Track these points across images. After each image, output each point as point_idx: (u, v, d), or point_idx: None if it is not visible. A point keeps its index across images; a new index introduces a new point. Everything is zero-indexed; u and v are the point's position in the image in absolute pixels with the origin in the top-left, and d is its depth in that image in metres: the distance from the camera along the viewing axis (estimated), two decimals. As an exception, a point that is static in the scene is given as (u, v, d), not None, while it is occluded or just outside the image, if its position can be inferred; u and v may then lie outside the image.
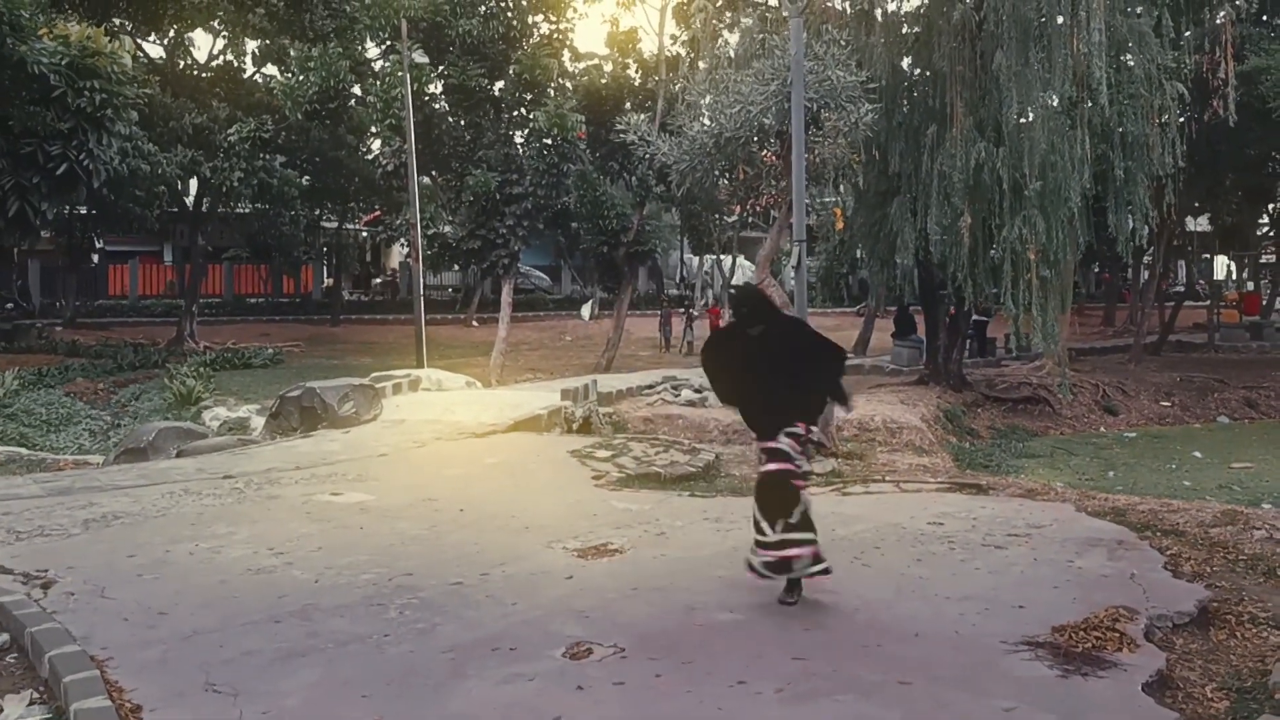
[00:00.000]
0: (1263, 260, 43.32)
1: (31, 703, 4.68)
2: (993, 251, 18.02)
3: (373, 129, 28.98)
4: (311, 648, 5.24)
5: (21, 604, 5.74)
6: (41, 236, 30.02)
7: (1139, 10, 19.09)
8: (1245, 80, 21.10)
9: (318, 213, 38.52)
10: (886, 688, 4.71)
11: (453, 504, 8.58)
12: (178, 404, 19.89)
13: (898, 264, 19.74)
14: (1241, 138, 22.21)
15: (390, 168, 26.51)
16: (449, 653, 5.18)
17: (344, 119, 29.12)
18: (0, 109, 18.45)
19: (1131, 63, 18.67)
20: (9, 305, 33.57)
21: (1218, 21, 20.66)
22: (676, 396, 17.88)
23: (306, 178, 33.37)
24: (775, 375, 6.07)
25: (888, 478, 11.26)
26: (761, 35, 19.60)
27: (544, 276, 47.12)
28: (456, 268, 32.28)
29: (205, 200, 31.67)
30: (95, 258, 40.03)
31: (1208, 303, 36.92)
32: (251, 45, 32.46)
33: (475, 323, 37.54)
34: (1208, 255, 47.15)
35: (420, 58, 23.99)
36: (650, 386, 18.90)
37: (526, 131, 26.10)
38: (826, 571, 5.88)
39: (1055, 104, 18.00)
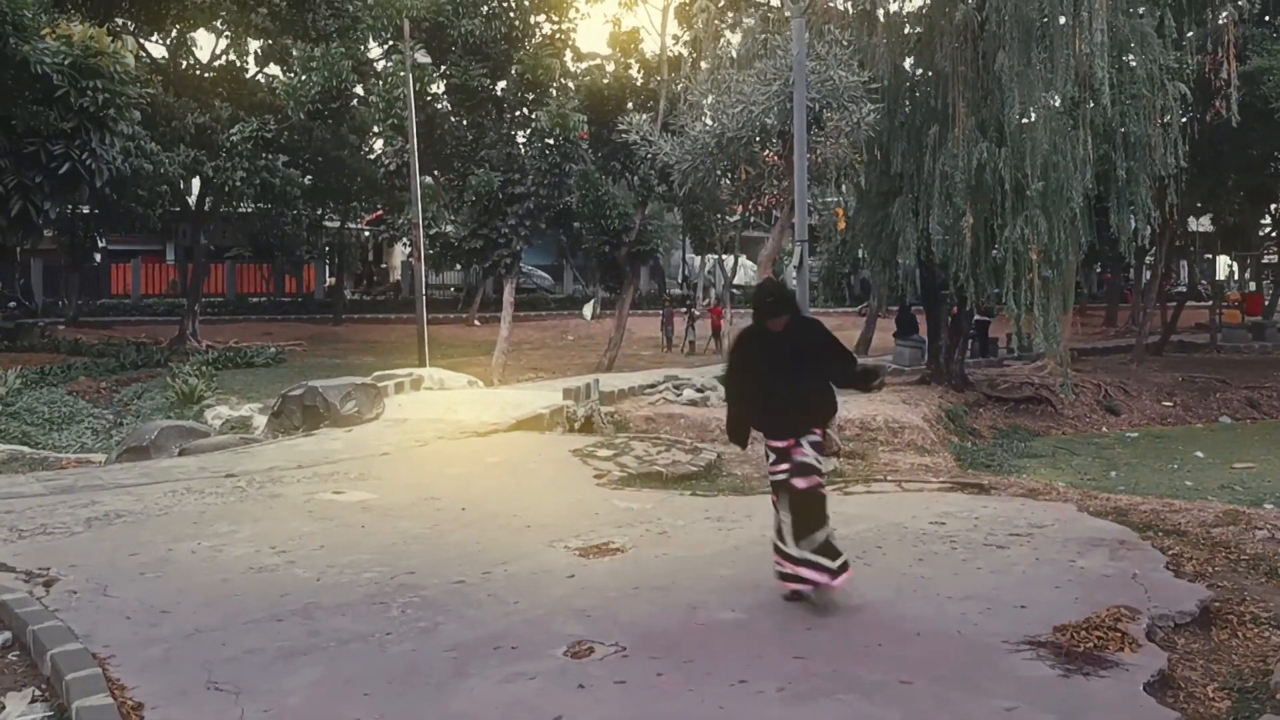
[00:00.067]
0: (1265, 260, 43.30)
1: (33, 700, 4.69)
2: (995, 251, 18.03)
3: (375, 129, 29.04)
4: (313, 646, 5.24)
5: (24, 602, 5.74)
6: (44, 236, 30.10)
7: (1141, 10, 19.09)
8: (1247, 80, 21.08)
9: (320, 212, 38.57)
10: (888, 687, 4.71)
11: (455, 503, 8.58)
12: (180, 403, 19.90)
13: (900, 264, 19.75)
14: (1244, 138, 22.20)
15: (392, 167, 26.53)
16: (451, 651, 5.18)
17: (346, 119, 29.16)
18: (3, 108, 18.48)
19: (1134, 63, 18.67)
20: (12, 304, 33.63)
21: (1220, 22, 20.66)
22: (678, 396, 17.87)
23: (309, 177, 33.43)
24: (797, 371, 5.99)
25: (889, 477, 11.25)
26: (763, 35, 19.63)
27: (546, 276, 47.14)
28: (459, 267, 32.33)
29: (208, 199, 31.70)
30: (98, 257, 40.13)
31: (1210, 303, 36.91)
32: (254, 45, 32.48)
33: (477, 322, 37.58)
34: (1210, 255, 47.12)
35: (423, 58, 24.01)
36: (652, 386, 18.87)
37: (529, 131, 26.12)
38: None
39: (1057, 104, 18.01)
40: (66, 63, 18.02)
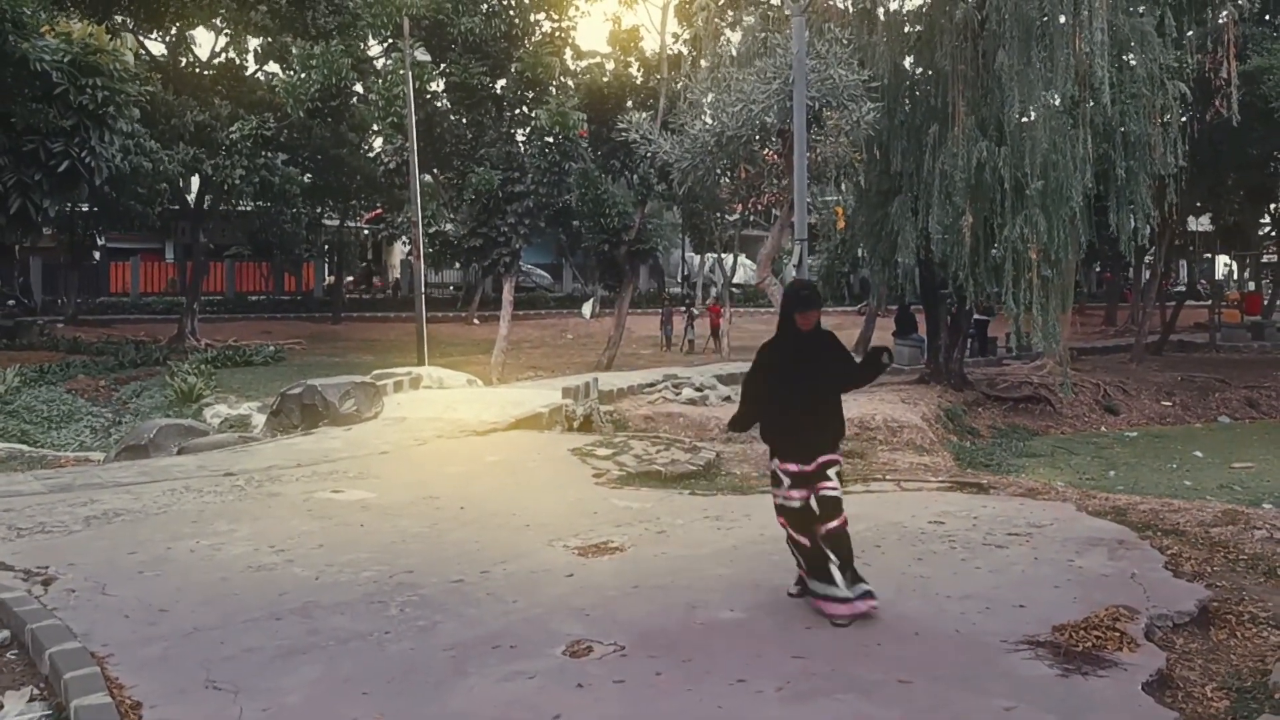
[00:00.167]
0: (1264, 260, 43.32)
1: (32, 699, 4.69)
2: (994, 251, 18.02)
3: (374, 127, 29.08)
4: (312, 645, 5.24)
5: (22, 600, 5.74)
6: (43, 234, 30.11)
7: (1141, 10, 19.09)
8: (1247, 80, 21.08)
9: (319, 210, 38.59)
10: (887, 687, 4.71)
11: (454, 502, 8.58)
12: (179, 401, 19.91)
13: (899, 263, 19.75)
14: (1243, 137, 22.19)
15: (392, 165, 26.56)
16: (450, 650, 5.18)
17: (346, 117, 29.16)
18: (2, 106, 18.47)
19: (1134, 62, 18.67)
20: (11, 302, 33.62)
21: (1220, 21, 20.66)
22: (677, 395, 17.88)
23: (308, 175, 33.44)
24: (816, 384, 5.90)
25: (888, 476, 11.25)
26: (763, 34, 19.62)
27: (545, 275, 47.16)
28: (458, 266, 32.33)
29: (207, 198, 31.69)
30: (97, 255, 40.13)
31: (1209, 302, 36.92)
32: (254, 43, 32.51)
33: (476, 321, 37.58)
34: (1209, 255, 47.15)
35: (422, 56, 24.00)
36: (651, 385, 18.89)
37: (528, 129, 26.13)
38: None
39: (1057, 103, 18.01)
40: (66, 60, 18.02)
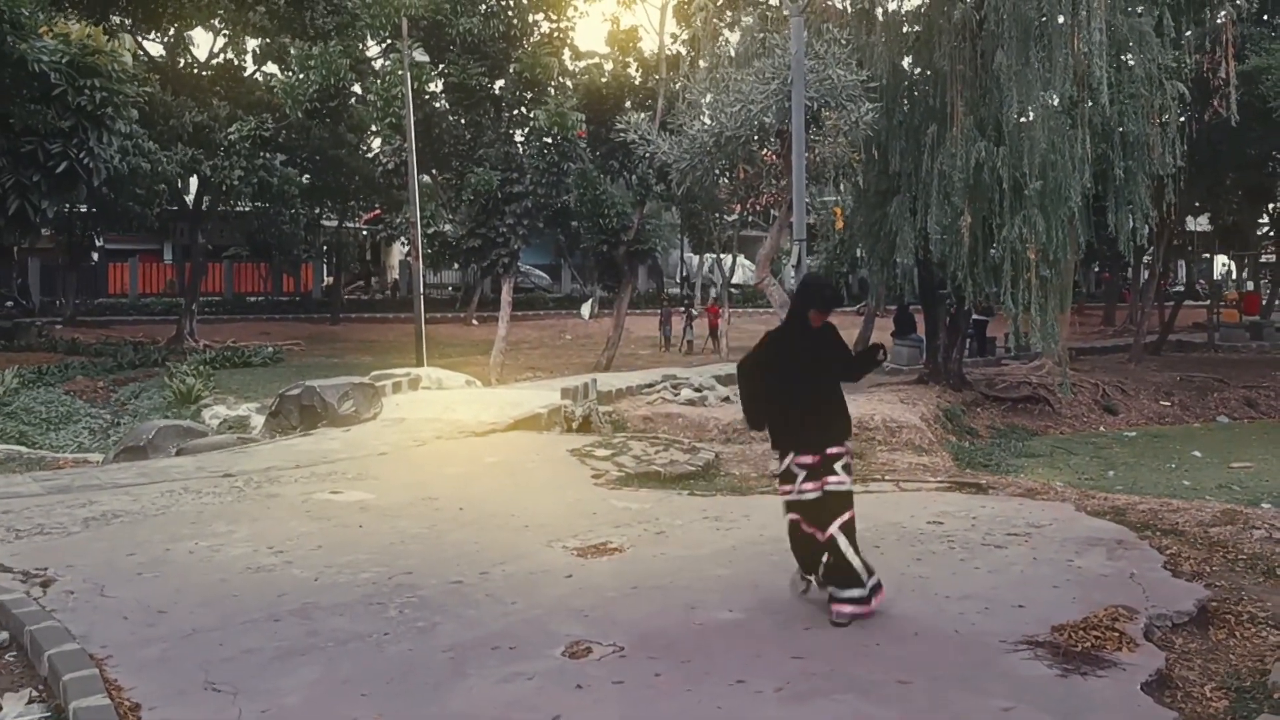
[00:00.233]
0: (1263, 260, 43.35)
1: (30, 701, 4.68)
2: (993, 251, 18.01)
3: (373, 127, 29.01)
4: (311, 646, 5.24)
5: (21, 602, 5.74)
6: (42, 235, 30.06)
7: (1139, 10, 19.08)
8: (1246, 80, 21.08)
9: (318, 211, 38.55)
10: (886, 687, 4.71)
11: (452, 502, 8.58)
12: (177, 402, 19.89)
13: (898, 263, 19.74)
14: (1242, 137, 22.19)
15: (390, 166, 26.53)
16: (449, 651, 5.18)
17: (344, 117, 29.14)
18: (1, 107, 18.46)
19: (1132, 62, 18.66)
20: (9, 303, 33.60)
21: (1218, 21, 20.63)
22: (676, 395, 17.88)
23: (307, 176, 33.41)
24: (821, 378, 5.92)
25: (887, 477, 11.26)
26: (762, 34, 19.62)
27: (544, 275, 47.16)
28: (456, 266, 32.33)
29: (205, 198, 31.68)
30: (95, 256, 40.07)
31: (1208, 302, 36.94)
32: (252, 43, 32.51)
33: (475, 321, 37.57)
34: (1208, 255, 47.18)
35: (421, 56, 23.99)
36: (650, 385, 18.88)
37: (527, 130, 26.12)
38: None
39: (1056, 103, 18.00)
40: (64, 61, 18.00)
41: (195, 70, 32.71)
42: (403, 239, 32.29)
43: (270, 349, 29.61)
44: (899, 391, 19.92)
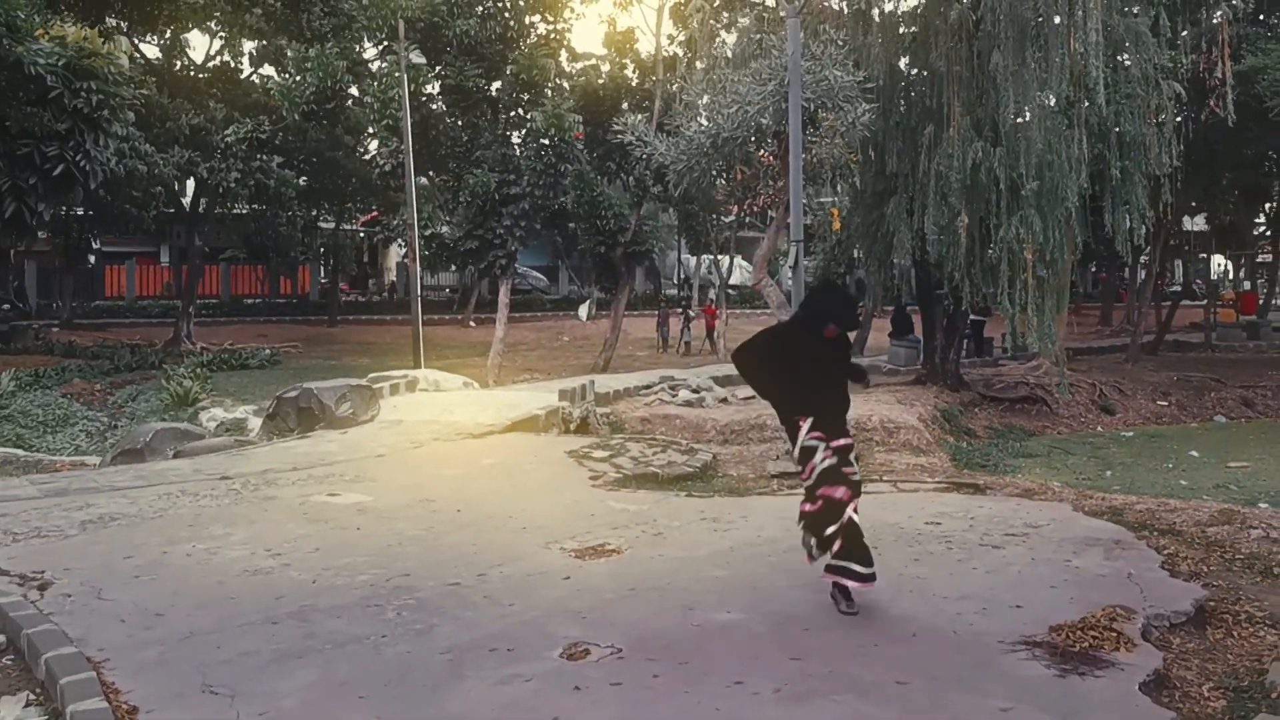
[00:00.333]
0: (1259, 260, 43.40)
1: (28, 704, 4.67)
2: (990, 251, 18.04)
3: (370, 129, 29.00)
4: (309, 649, 5.23)
5: (18, 605, 5.73)
6: (38, 237, 30.03)
7: (1136, 10, 19.12)
8: (1242, 80, 21.12)
9: (315, 213, 38.52)
10: (884, 688, 4.71)
11: (450, 505, 8.57)
12: (175, 405, 19.88)
13: (895, 263, 19.77)
14: (1238, 137, 22.22)
15: (387, 168, 26.50)
16: (447, 653, 5.17)
17: (341, 119, 29.13)
18: (-3, 110, 18.46)
19: (1128, 62, 18.70)
20: (5, 306, 33.60)
21: (1214, 21, 20.66)
22: (674, 397, 17.89)
23: (303, 178, 33.42)
24: (836, 371, 6.05)
25: (885, 477, 11.26)
26: (759, 35, 19.64)
27: (541, 277, 47.13)
28: (454, 268, 32.31)
29: (202, 201, 31.66)
30: (92, 259, 40.04)
31: (1204, 302, 36.98)
32: (248, 46, 32.50)
33: (472, 323, 37.55)
34: (1204, 254, 47.24)
35: (417, 58, 23.99)
36: (648, 387, 18.90)
37: (524, 132, 26.10)
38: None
39: (1052, 104, 18.03)
40: (60, 64, 18.00)
41: (192, 73, 32.70)
42: (400, 241, 32.24)
43: (267, 351, 29.59)
44: (896, 392, 19.94)
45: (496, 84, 27.71)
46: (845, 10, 20.38)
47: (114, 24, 27.35)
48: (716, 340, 31.77)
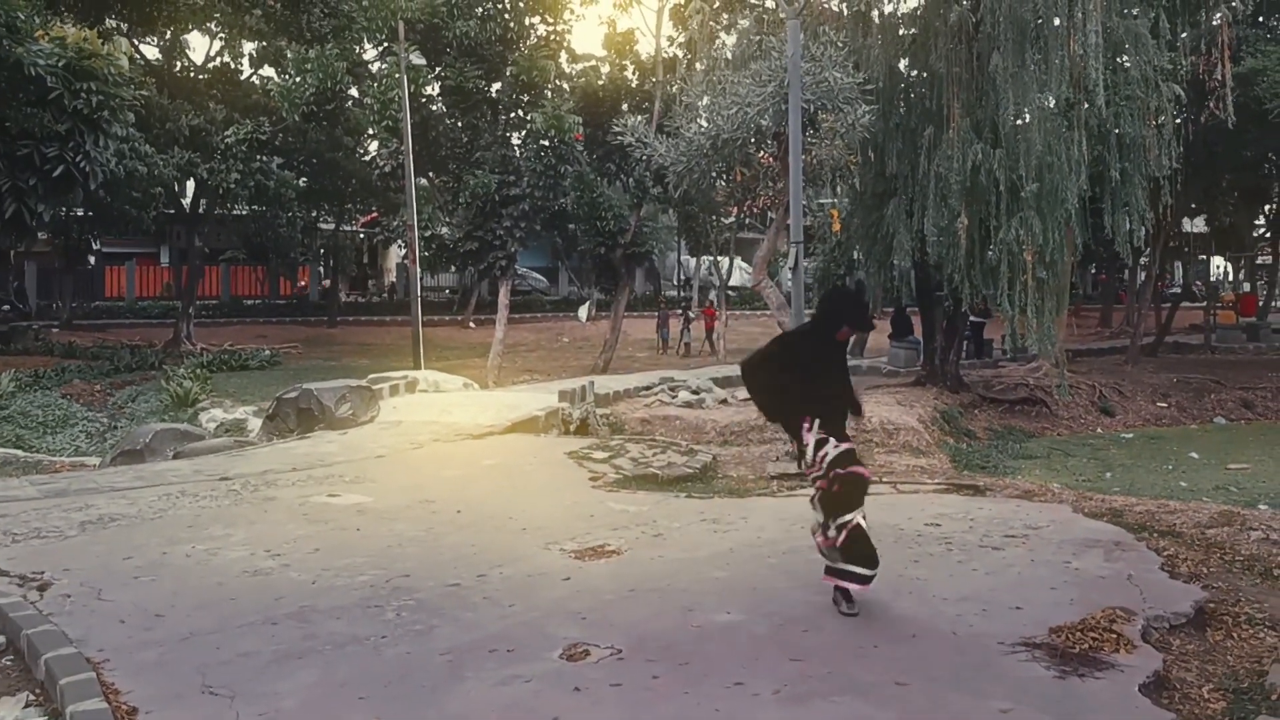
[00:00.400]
0: (1259, 261, 43.41)
1: (28, 705, 4.67)
2: (990, 253, 18.02)
3: (370, 130, 29.02)
4: (309, 649, 5.23)
5: (18, 606, 5.73)
6: (38, 238, 30.07)
7: (1135, 12, 19.10)
8: (1242, 82, 21.11)
9: (315, 214, 38.55)
10: (884, 689, 4.71)
11: (450, 505, 8.57)
12: (174, 405, 19.88)
13: (894, 265, 19.76)
14: (1238, 139, 22.21)
15: (387, 169, 26.50)
16: (446, 654, 5.17)
17: (341, 120, 29.14)
18: (-3, 111, 18.45)
19: (1128, 64, 18.68)
20: (5, 307, 33.60)
21: (1214, 23, 20.65)
22: (674, 398, 17.88)
23: (303, 179, 33.44)
24: (832, 375, 6.11)
25: (885, 479, 11.25)
26: (759, 37, 19.64)
27: (541, 278, 47.13)
28: (454, 269, 32.30)
29: (202, 202, 31.66)
30: (92, 259, 40.07)
31: (1204, 304, 36.97)
32: (248, 47, 32.48)
33: (472, 324, 37.56)
34: (1204, 256, 47.25)
35: (417, 59, 24.00)
36: (647, 388, 18.90)
37: (524, 133, 26.11)
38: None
39: (1052, 105, 18.02)
40: (60, 65, 17.98)
41: (192, 74, 32.70)
42: (400, 242, 32.25)
43: (267, 352, 29.58)
44: (896, 393, 19.93)
45: (496, 85, 27.71)
46: (845, 12, 20.38)
47: (114, 25, 27.34)
48: (716, 341, 31.76)
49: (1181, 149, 19.76)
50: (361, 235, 46.52)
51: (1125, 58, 18.76)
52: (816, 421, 5.83)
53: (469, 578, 6.45)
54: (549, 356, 31.20)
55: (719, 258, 36.91)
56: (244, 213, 34.46)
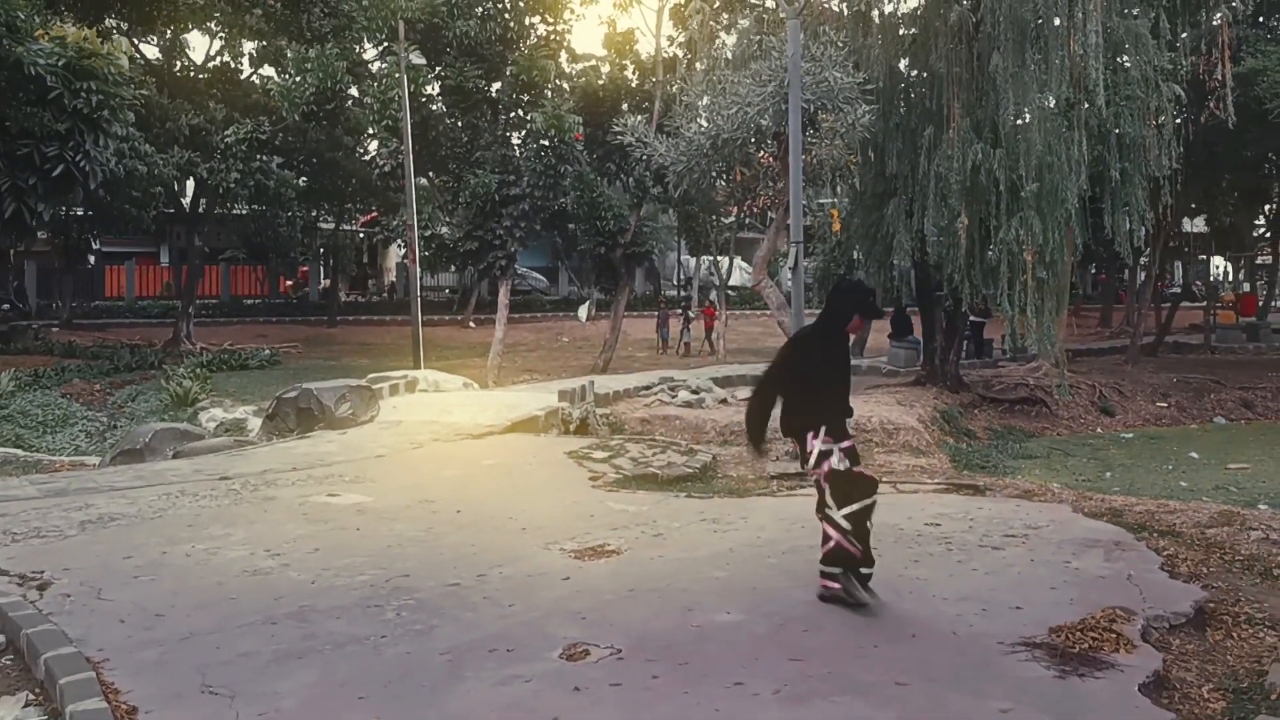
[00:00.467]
0: (1259, 261, 43.43)
1: (27, 704, 4.67)
2: (990, 253, 18.03)
3: (370, 130, 29.03)
4: (308, 649, 5.23)
5: (17, 605, 5.72)
6: (38, 238, 30.08)
7: (1136, 12, 19.11)
8: (1242, 82, 21.11)
9: (314, 214, 38.57)
10: (884, 689, 4.71)
11: (450, 505, 8.57)
12: (174, 405, 19.88)
13: (894, 265, 19.76)
14: (1238, 139, 22.22)
15: (387, 169, 26.51)
16: (446, 654, 5.17)
17: (341, 120, 29.14)
18: (-3, 110, 18.45)
19: (1128, 64, 18.69)
20: (5, 306, 33.59)
21: (1214, 23, 20.65)
22: (673, 397, 17.88)
23: (303, 179, 33.45)
24: (845, 374, 6.19)
25: (885, 478, 11.24)
26: (759, 36, 19.66)
27: (541, 278, 47.16)
28: (454, 269, 32.32)
29: (202, 201, 31.68)
30: (92, 259, 40.09)
31: (1204, 304, 36.97)
32: (248, 46, 32.49)
33: (472, 324, 37.57)
34: (1204, 256, 47.25)
35: (417, 59, 24.00)
36: (647, 387, 18.90)
37: (524, 133, 26.11)
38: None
39: (1052, 105, 18.02)
40: (60, 64, 17.99)
41: (192, 73, 32.71)
42: (400, 241, 32.27)
43: (267, 351, 29.59)
44: (896, 393, 19.93)
45: (496, 85, 27.71)
46: (845, 12, 20.39)
47: (114, 24, 27.35)
48: (715, 341, 31.75)
49: (1181, 149, 19.77)
50: (361, 235, 46.54)
51: (1125, 58, 18.76)
52: (823, 429, 5.84)
53: (469, 577, 6.45)
54: (549, 356, 31.20)
55: (719, 258, 36.91)
56: (244, 212, 34.49)
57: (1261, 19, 25.59)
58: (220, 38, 31.91)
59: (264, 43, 30.39)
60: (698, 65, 21.57)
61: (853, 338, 6.57)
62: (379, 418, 13.63)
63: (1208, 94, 20.35)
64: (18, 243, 24.72)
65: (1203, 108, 20.97)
